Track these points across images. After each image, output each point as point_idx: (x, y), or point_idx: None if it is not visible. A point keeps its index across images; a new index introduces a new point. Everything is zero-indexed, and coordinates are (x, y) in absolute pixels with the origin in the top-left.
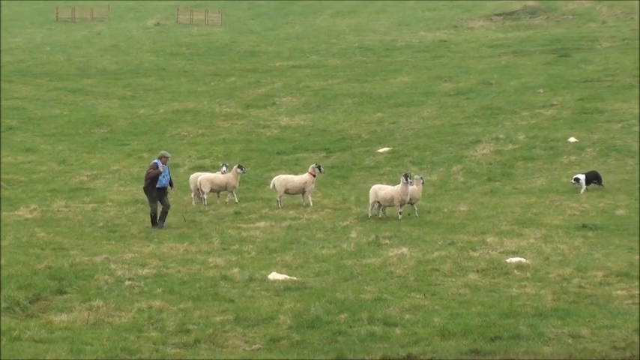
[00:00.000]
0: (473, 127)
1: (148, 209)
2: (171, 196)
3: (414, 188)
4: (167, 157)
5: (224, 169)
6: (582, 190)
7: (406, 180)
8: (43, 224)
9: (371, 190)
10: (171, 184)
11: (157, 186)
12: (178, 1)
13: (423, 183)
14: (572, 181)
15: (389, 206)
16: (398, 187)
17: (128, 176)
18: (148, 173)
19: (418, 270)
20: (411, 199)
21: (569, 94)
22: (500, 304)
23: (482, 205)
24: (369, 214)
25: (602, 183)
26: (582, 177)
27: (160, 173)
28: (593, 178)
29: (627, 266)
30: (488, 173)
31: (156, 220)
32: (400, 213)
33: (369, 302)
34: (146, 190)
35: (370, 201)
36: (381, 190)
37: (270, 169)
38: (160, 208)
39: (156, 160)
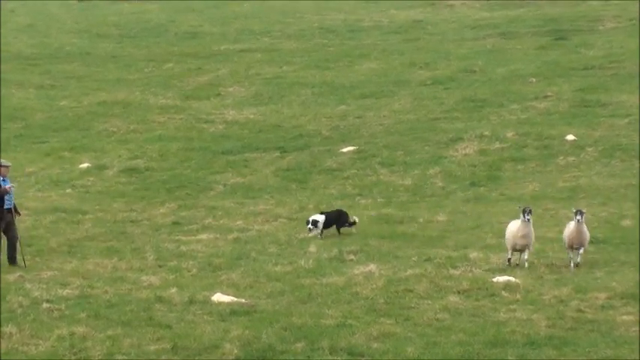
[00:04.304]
0: (453, 122)
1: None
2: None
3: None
4: (7, 167)
5: None
6: (319, 235)
7: (524, 216)
8: None
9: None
10: (16, 210)
11: (6, 207)
12: None
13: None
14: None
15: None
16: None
17: (46, 179)
18: None
19: (388, 291)
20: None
21: (566, 83)
22: (486, 331)
23: (464, 215)
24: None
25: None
26: (321, 219)
27: (6, 192)
28: (334, 219)
29: (634, 287)
30: (472, 177)
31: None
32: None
33: (330, 329)
34: None
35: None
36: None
37: (215, 172)
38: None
39: None
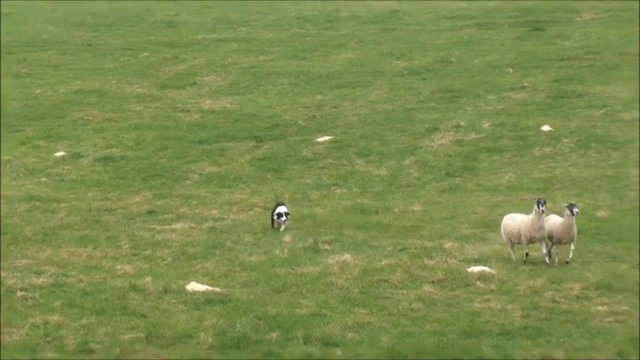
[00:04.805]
0: (429, 112)
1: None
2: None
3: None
4: None
5: None
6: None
7: (538, 207)
8: None
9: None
10: None
11: None
12: None
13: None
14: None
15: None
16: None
17: (21, 168)
18: None
19: (363, 281)
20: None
21: (542, 74)
22: (460, 322)
23: (439, 205)
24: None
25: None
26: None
27: None
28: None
29: (609, 277)
30: (447, 167)
31: None
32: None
33: (305, 318)
34: None
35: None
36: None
37: (190, 161)
38: None
39: None
